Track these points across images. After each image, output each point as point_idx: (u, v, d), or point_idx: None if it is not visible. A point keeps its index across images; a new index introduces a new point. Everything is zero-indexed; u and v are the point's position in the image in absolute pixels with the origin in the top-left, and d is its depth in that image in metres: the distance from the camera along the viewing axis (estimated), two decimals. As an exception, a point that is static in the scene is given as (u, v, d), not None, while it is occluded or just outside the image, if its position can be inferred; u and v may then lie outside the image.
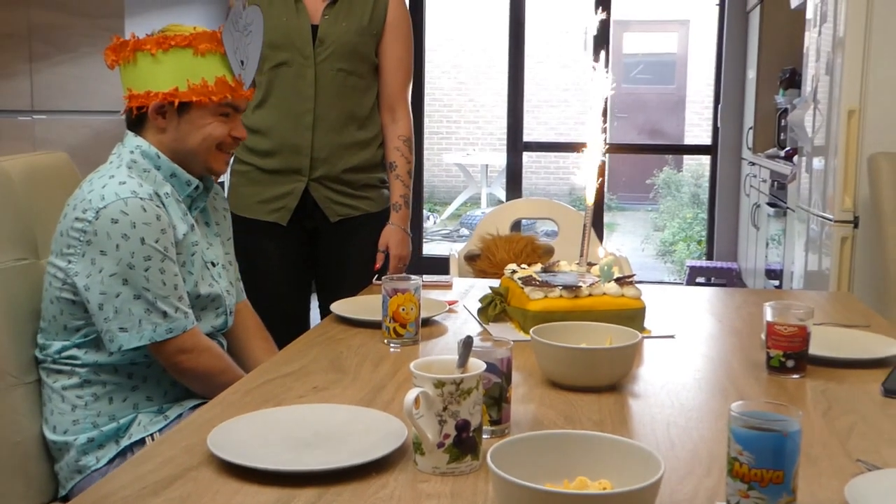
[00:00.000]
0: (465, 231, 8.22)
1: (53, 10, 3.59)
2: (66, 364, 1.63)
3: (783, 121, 4.62)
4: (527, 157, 6.14)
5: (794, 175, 3.72)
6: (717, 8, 5.90)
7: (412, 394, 0.97)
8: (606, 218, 7.47)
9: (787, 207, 3.96)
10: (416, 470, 1.00)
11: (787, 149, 4.41)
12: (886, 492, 0.92)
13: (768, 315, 1.39)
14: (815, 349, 1.42)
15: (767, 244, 4.58)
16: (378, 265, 2.24)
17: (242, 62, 1.74)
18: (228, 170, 2.17)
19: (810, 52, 3.45)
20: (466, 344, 1.03)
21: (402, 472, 1.00)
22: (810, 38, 3.48)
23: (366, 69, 2.26)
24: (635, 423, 1.19)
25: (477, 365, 1.02)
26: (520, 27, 5.90)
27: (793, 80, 4.64)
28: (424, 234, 6.96)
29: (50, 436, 1.63)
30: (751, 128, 5.29)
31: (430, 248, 7.38)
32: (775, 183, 4.41)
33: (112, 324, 1.56)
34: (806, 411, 1.24)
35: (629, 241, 8.26)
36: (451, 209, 9.08)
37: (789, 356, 1.37)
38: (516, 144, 5.96)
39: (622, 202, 10.42)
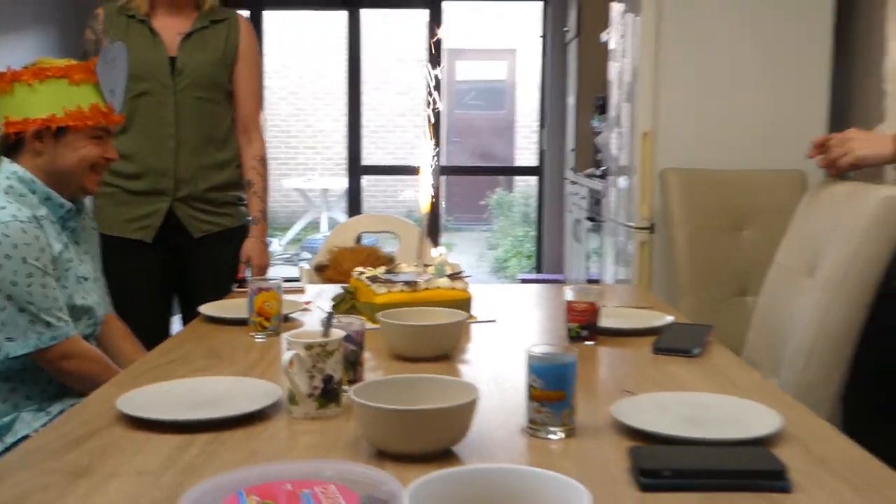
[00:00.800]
0: (307, 255, 8.41)
1: None
2: (-47, 372, 1.78)
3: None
4: (366, 180, 6.43)
5: (605, 191, 4.19)
6: (540, 39, 6.42)
7: (288, 354, 1.23)
8: (444, 239, 7.85)
9: (601, 221, 4.43)
10: (291, 417, 1.26)
11: (603, 168, 4.91)
12: (638, 406, 1.26)
13: (567, 295, 1.74)
14: (605, 323, 1.78)
15: (589, 256, 5.05)
16: (241, 275, 2.47)
17: (112, 91, 1.95)
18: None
19: (614, 82, 3.92)
20: (328, 318, 1.31)
21: (281, 419, 1.26)
22: (613, 68, 3.96)
23: (222, 96, 2.49)
24: (463, 376, 1.49)
25: (337, 333, 1.30)
26: (356, 54, 6.21)
27: (605, 107, 5.16)
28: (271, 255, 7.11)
29: (-65, 437, 1.77)
30: (572, 149, 5.80)
31: (274, 272, 7.51)
32: (593, 199, 4.90)
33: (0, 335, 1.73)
34: (594, 366, 1.59)
35: (466, 259, 8.70)
36: (291, 233, 9.24)
37: (584, 327, 1.72)
38: (355, 168, 6.25)
39: (459, 223, 10.89)
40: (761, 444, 1.14)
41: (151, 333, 2.29)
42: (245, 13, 5.42)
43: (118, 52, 2.01)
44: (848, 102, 3.20)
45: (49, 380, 1.84)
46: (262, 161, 2.56)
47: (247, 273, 2.49)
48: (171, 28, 2.44)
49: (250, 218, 2.55)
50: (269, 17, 6.21)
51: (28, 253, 1.75)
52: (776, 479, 1.01)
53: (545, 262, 6.33)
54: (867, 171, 2.03)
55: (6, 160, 1.88)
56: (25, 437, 1.77)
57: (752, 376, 1.55)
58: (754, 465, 1.03)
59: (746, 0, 3.17)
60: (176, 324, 2.66)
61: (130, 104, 2.42)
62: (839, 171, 2.01)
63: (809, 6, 3.15)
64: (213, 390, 1.36)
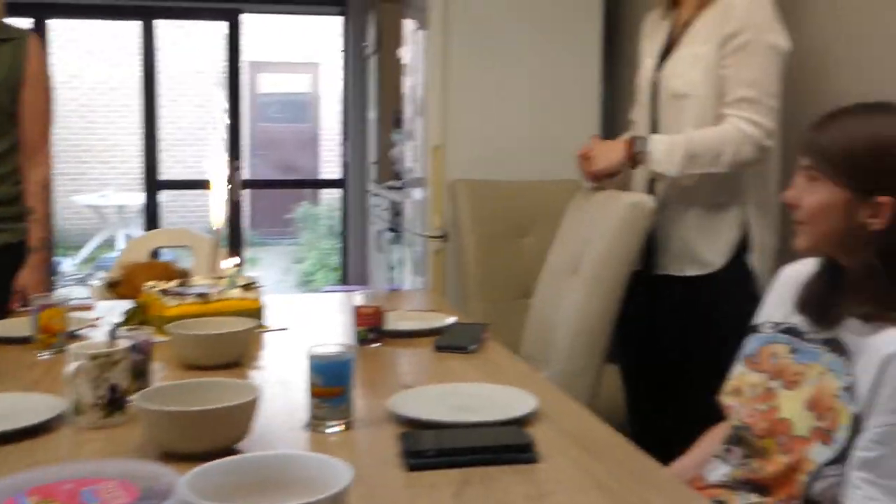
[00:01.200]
0: (101, 274, 8.08)
1: None
2: None
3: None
4: (165, 195, 6.29)
5: (404, 202, 4.34)
6: (342, 53, 6.52)
7: (73, 365, 1.26)
8: (249, 253, 7.79)
9: (401, 231, 4.59)
10: (77, 427, 1.28)
11: (402, 180, 5.07)
12: (415, 398, 1.38)
13: (356, 301, 1.84)
14: (393, 326, 1.89)
15: (392, 267, 5.19)
16: (17, 306, 2.37)
17: None
18: None
19: (408, 96, 4.08)
20: (114, 328, 1.34)
21: (66, 430, 1.28)
22: (407, 84, 4.12)
23: (4, 118, 2.40)
24: (252, 380, 1.56)
25: (124, 343, 1.33)
26: (151, 66, 6.06)
27: (401, 121, 5.33)
28: (60, 277, 6.80)
29: None
30: (374, 162, 5.92)
31: (66, 293, 7.19)
32: (394, 210, 5.05)
33: None
34: (378, 366, 1.70)
35: (271, 273, 8.65)
36: (84, 252, 8.85)
37: (370, 330, 1.82)
38: (152, 183, 6.10)
39: (264, 237, 10.80)
40: (518, 424, 1.28)
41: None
42: (28, 21, 5.19)
43: None
44: (616, 117, 3.51)
45: None
46: (46, 187, 2.48)
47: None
48: None
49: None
50: (56, 26, 5.96)
51: None
52: (524, 451, 1.15)
53: (350, 275, 6.42)
54: (624, 174, 2.26)
55: None
56: None
57: (520, 368, 1.71)
58: (505, 440, 1.17)
59: (526, 20, 3.41)
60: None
61: None
62: (594, 180, 2.25)
63: (582, 31, 3.43)
64: (-3, 406, 1.36)
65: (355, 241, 6.39)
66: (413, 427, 1.28)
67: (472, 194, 3.23)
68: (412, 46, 4.02)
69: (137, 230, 8.74)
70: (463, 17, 3.40)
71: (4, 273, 2.40)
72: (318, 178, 11.17)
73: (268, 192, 10.39)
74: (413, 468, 1.13)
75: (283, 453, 0.99)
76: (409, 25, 4.14)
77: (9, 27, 2.44)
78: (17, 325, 1.94)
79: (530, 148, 3.46)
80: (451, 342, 1.81)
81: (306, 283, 8.17)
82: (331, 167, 11.00)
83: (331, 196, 10.43)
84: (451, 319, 2.02)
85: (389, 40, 5.59)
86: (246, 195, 6.53)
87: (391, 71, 5.66)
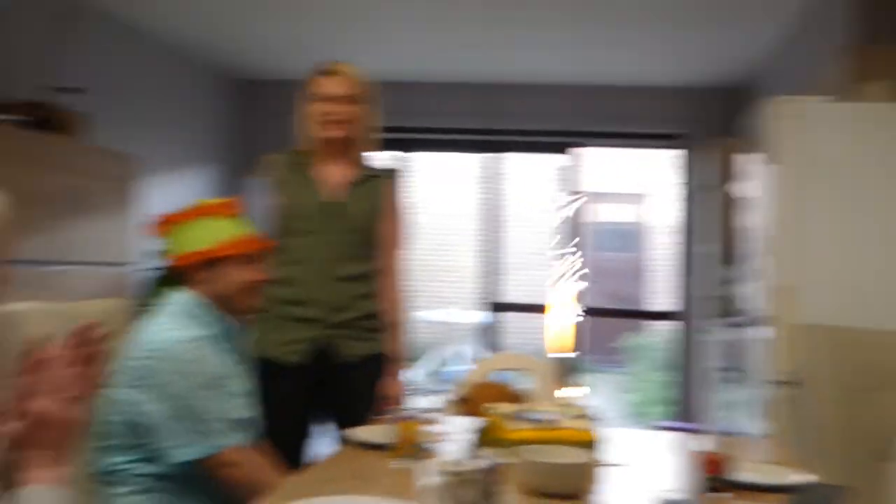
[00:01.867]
0: (441, 386, 8.51)
1: (79, 175, 4.05)
2: (123, 476, 1.94)
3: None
4: (504, 317, 6.55)
5: (744, 343, 4.14)
6: (676, 185, 6.50)
7: (430, 481, 1.32)
8: (583, 380, 7.80)
9: (738, 371, 4.36)
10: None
11: (742, 317, 4.85)
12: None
13: (698, 444, 1.76)
14: (739, 477, 1.77)
15: (725, 408, 4.93)
16: (381, 408, 2.59)
17: (259, 221, 2.20)
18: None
19: (751, 233, 3.93)
20: (469, 447, 1.39)
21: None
22: (751, 220, 3.97)
23: (372, 240, 2.72)
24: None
25: (476, 462, 1.38)
26: (497, 194, 6.46)
27: (741, 256, 5.13)
28: (409, 386, 7.25)
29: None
30: (710, 298, 5.76)
31: (411, 402, 7.64)
32: (731, 349, 4.83)
33: (172, 441, 1.89)
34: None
35: (602, 403, 8.57)
36: (430, 365, 9.42)
37: (717, 479, 1.72)
38: (494, 306, 6.39)
39: (595, 365, 10.79)
40: None
41: (292, 451, 2.43)
42: (396, 153, 5.77)
43: (262, 188, 2.27)
44: None
45: (215, 488, 1.97)
46: (402, 302, 2.75)
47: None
48: (334, 175, 2.70)
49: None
50: (415, 158, 6.57)
51: (203, 368, 1.93)
52: None
53: (684, 411, 6.19)
54: None
55: (177, 288, 2.10)
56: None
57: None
58: None
59: (883, 158, 3.18)
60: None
61: (294, 240, 2.65)
62: None
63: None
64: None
65: (689, 376, 6.19)
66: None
67: (830, 341, 2.99)
68: (757, 180, 3.90)
69: (479, 348, 9.15)
70: (816, 153, 3.25)
71: (371, 380, 2.64)
72: (652, 311, 11.02)
73: (601, 321, 10.42)
74: None
75: None
76: (754, 159, 4.03)
77: (374, 168, 2.75)
78: (375, 432, 2.09)
79: (892, 294, 3.16)
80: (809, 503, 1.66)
81: (638, 415, 7.99)
82: (658, 298, 10.84)
83: (660, 328, 10.24)
84: (809, 477, 1.85)
85: (728, 175, 5.49)
86: (582, 322, 6.64)
87: (730, 205, 5.54)
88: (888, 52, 3.40)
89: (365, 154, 2.75)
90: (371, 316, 2.70)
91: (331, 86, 2.68)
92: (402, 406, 2.61)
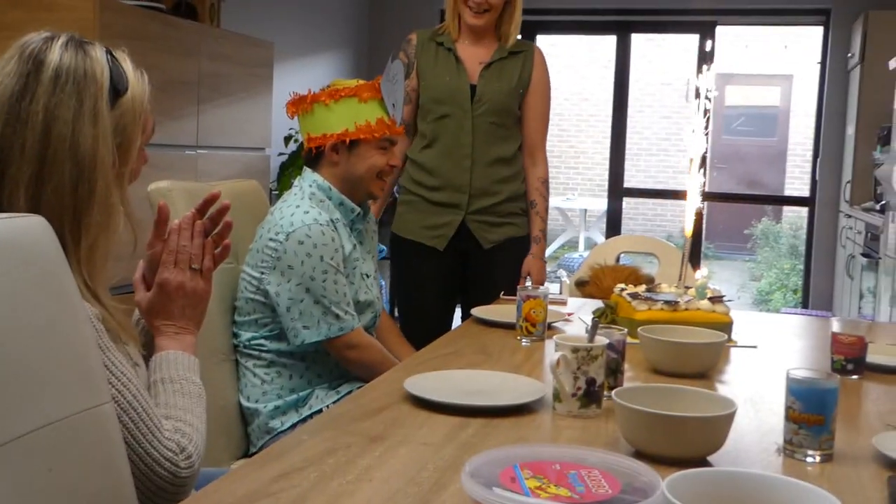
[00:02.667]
0: (562, 272, 8.56)
1: (218, 60, 4.15)
2: (255, 349, 2.06)
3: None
4: (626, 202, 6.46)
5: (885, 226, 3.96)
6: (818, 66, 6.15)
7: (556, 355, 1.35)
8: (705, 267, 7.69)
9: (878, 257, 4.19)
10: (555, 413, 1.38)
11: (882, 202, 4.63)
12: (904, 441, 1.25)
13: (834, 326, 1.72)
14: (873, 360, 1.74)
15: (862, 295, 4.78)
16: (522, 285, 2.62)
17: (394, 105, 2.18)
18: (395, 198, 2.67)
19: (901, 112, 3.71)
20: (594, 325, 1.41)
21: (546, 413, 1.38)
22: (901, 98, 3.74)
23: (512, 121, 2.69)
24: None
25: (601, 340, 1.40)
26: (624, 78, 6.26)
27: (889, 138, 4.86)
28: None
29: (245, 403, 2.06)
30: (848, 181, 5.50)
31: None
32: (869, 234, 4.63)
33: (297, 323, 1.99)
34: (857, 399, 1.57)
35: (726, 289, 8.42)
36: (550, 250, 9.44)
37: (849, 360, 1.69)
38: (616, 190, 6.30)
39: (720, 251, 10.58)
40: None
41: (434, 331, 2.50)
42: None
43: (398, 70, 2.24)
44: None
45: (337, 362, 2.09)
46: (545, 183, 2.74)
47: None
48: (473, 57, 2.67)
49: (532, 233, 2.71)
50: (541, 41, 6.42)
51: (325, 252, 2.00)
52: None
53: (812, 298, 6.03)
54: None
55: (308, 170, 2.16)
56: (318, 412, 2.02)
57: None
58: None
59: None
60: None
61: (434, 124, 2.67)
62: None
63: None
64: (487, 382, 1.51)
65: (820, 263, 5.99)
66: (901, 473, 1.16)
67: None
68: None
69: (598, 234, 9.12)
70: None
71: (511, 263, 2.66)
72: (783, 195, 10.62)
73: (727, 206, 10.15)
74: (904, 517, 1.02)
75: (771, 476, 0.96)
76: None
77: (520, 41, 2.72)
78: (502, 311, 2.14)
79: None
80: (946, 386, 1.62)
81: (763, 303, 7.84)
82: (797, 184, 10.43)
83: (794, 214, 9.89)
84: (946, 361, 1.79)
85: (878, 51, 5.14)
86: (706, 208, 6.46)
87: (878, 83, 5.21)
88: None
89: (507, 35, 2.68)
90: (511, 199, 2.69)
91: None
92: (543, 286, 2.64)
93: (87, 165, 1.16)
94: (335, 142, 2.11)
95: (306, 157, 2.19)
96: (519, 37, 2.71)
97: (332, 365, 2.10)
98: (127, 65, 1.25)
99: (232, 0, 4.61)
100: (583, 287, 2.77)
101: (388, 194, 2.77)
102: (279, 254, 1.99)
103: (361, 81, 2.16)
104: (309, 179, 2.13)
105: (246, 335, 2.07)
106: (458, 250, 2.69)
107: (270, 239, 2.01)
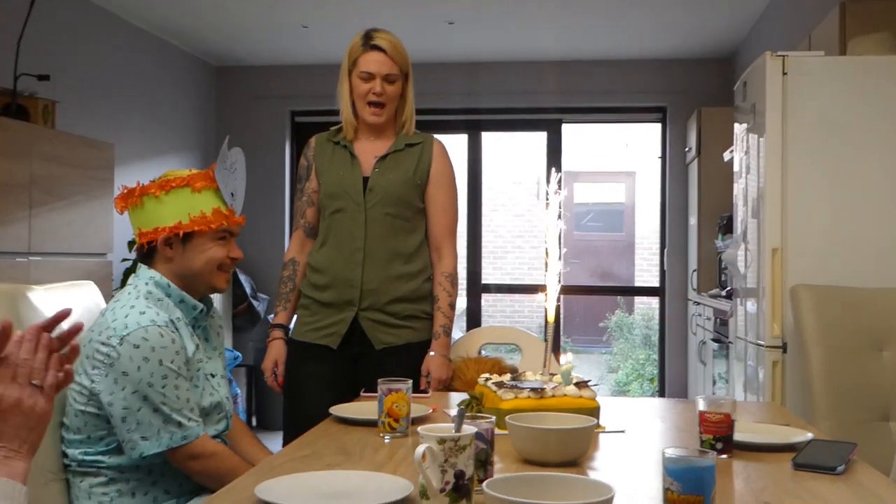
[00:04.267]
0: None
1: (53, 162, 3.93)
2: (92, 466, 1.86)
3: (722, 262, 5.05)
4: (484, 299, 6.49)
5: (732, 311, 4.10)
6: (659, 161, 6.45)
7: (421, 448, 1.24)
8: (568, 352, 7.78)
9: (728, 341, 4.32)
10: (424, 512, 1.26)
11: (728, 288, 4.82)
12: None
13: (700, 405, 1.69)
14: (740, 437, 1.72)
15: (714, 381, 4.90)
16: (422, 387, 2.48)
17: (233, 194, 2.07)
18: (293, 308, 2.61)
19: (739, 200, 3.89)
20: (461, 413, 1.32)
21: (412, 514, 1.26)
22: (738, 187, 3.93)
23: (411, 213, 2.58)
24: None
25: (469, 429, 1.31)
26: (477, 176, 6.38)
27: (729, 226, 5.10)
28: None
29: (82, 532, 1.84)
30: (695, 270, 5.72)
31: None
32: (718, 320, 4.79)
33: (134, 434, 1.80)
34: (730, 478, 1.53)
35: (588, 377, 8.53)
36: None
37: (718, 439, 1.66)
38: (475, 287, 6.33)
39: (577, 345, 10.77)
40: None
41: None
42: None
43: (237, 157, 2.13)
44: None
45: (186, 475, 1.90)
46: (449, 278, 2.60)
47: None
48: (369, 151, 2.59)
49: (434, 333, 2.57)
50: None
51: (164, 356, 1.83)
52: None
53: (668, 386, 6.17)
54: None
55: (143, 266, 2.00)
56: (162, 531, 1.82)
57: (903, 495, 1.46)
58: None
59: (871, 114, 3.14)
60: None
61: (327, 220, 2.57)
62: None
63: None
64: (347, 483, 1.38)
65: (673, 351, 6.16)
66: (785, 551, 1.11)
67: (816, 301, 2.94)
68: (742, 148, 3.85)
69: (458, 332, 9.10)
70: (801, 115, 3.20)
71: (406, 368, 2.45)
72: (634, 286, 11.00)
73: (583, 300, 10.40)
74: None
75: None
76: (738, 128, 3.98)
77: (417, 133, 2.66)
78: (362, 409, 2.02)
79: (881, 251, 3.13)
80: (812, 460, 1.60)
81: (621, 393, 7.97)
82: (646, 276, 10.83)
83: (645, 305, 10.22)
84: (809, 435, 1.80)
85: (713, 144, 5.44)
86: (562, 302, 6.57)
87: (715, 175, 5.49)
88: (880, 4, 3.36)
89: (402, 124, 2.62)
90: (410, 299, 2.55)
91: (374, 64, 2.55)
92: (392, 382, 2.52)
93: None
94: (167, 235, 1.96)
95: (139, 253, 2.03)
96: (417, 131, 2.67)
97: (182, 478, 1.91)
98: None
99: (69, 102, 4.42)
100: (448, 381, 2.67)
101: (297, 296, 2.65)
102: (112, 360, 1.81)
103: (194, 171, 2.04)
104: (145, 277, 1.97)
105: (76, 452, 1.86)
106: (351, 352, 2.55)
107: (102, 343, 1.83)
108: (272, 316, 2.73)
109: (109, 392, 1.80)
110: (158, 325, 1.85)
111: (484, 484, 1.15)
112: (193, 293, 1.99)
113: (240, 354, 5.81)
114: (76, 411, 1.85)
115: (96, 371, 1.82)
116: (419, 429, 1.30)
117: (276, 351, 2.62)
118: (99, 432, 1.85)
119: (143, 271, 1.98)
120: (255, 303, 6.09)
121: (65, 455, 1.87)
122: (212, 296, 2.11)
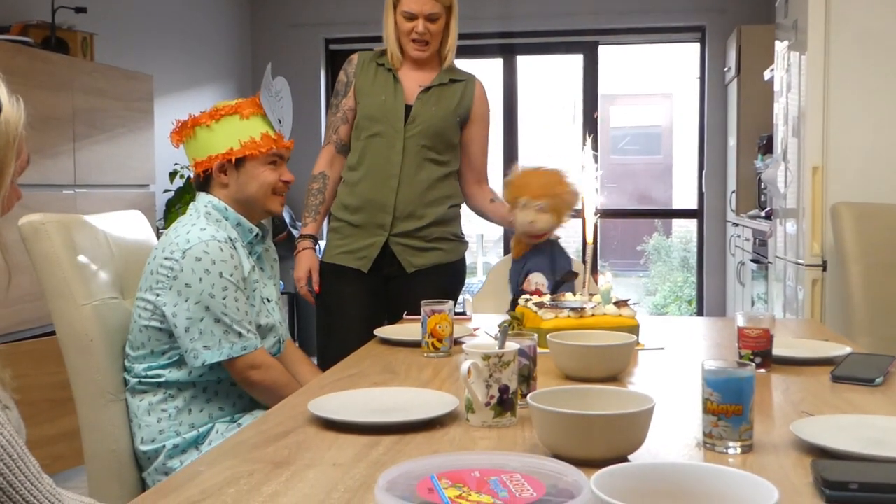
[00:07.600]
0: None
1: (94, 95, 3.97)
2: (152, 382, 1.94)
3: (761, 183, 5.01)
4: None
5: (772, 231, 4.08)
6: (697, 81, 6.34)
7: (466, 364, 1.29)
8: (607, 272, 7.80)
9: (767, 262, 4.31)
10: (469, 425, 1.31)
11: (767, 209, 4.78)
12: (819, 426, 1.24)
13: (739, 321, 1.72)
14: (778, 352, 1.74)
15: (753, 302, 4.90)
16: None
17: (280, 120, 2.11)
18: (324, 227, 2.64)
19: (779, 119, 3.84)
20: (504, 331, 1.36)
21: (459, 427, 1.32)
22: (779, 106, 3.88)
23: (444, 148, 2.61)
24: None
25: (512, 346, 1.35)
26: (513, 101, 6.33)
27: (769, 146, 5.03)
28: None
29: (140, 447, 1.93)
30: (733, 191, 5.67)
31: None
32: (757, 240, 4.77)
33: (197, 343, 1.88)
34: (768, 391, 1.56)
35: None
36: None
37: (756, 354, 1.69)
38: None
39: (614, 269, 10.76)
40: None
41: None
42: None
43: (282, 86, 2.17)
44: None
45: (240, 394, 1.98)
46: (494, 200, 2.73)
47: None
48: (413, 80, 2.61)
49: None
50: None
51: (224, 269, 1.90)
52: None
53: (707, 307, 6.17)
54: None
55: (201, 193, 2.06)
56: (218, 447, 1.90)
57: (940, 405, 1.48)
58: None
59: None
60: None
61: (363, 142, 2.60)
62: None
63: None
64: (395, 399, 1.43)
65: (712, 273, 6.14)
66: (821, 457, 1.14)
67: (856, 218, 2.93)
68: (783, 66, 3.78)
69: (496, 259, 9.14)
70: (844, 31, 3.13)
71: (435, 289, 2.47)
72: (672, 209, 10.92)
73: (619, 224, 10.36)
74: (832, 501, 1.00)
75: (701, 465, 0.92)
76: (779, 46, 3.90)
77: (461, 71, 2.69)
78: (406, 331, 2.07)
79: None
80: (851, 373, 1.63)
81: (659, 316, 8.00)
82: (684, 198, 10.74)
83: (684, 228, 10.16)
84: (847, 349, 1.82)
85: (752, 63, 5.33)
86: (600, 226, 6.56)
87: (754, 94, 5.41)
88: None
89: (444, 58, 2.64)
90: (439, 223, 2.60)
91: (417, 4, 2.53)
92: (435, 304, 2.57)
93: None
94: (221, 162, 2.02)
95: (196, 183, 2.10)
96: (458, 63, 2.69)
97: (235, 397, 1.99)
98: (0, 88, 1.14)
99: (106, 34, 4.44)
100: (508, 191, 2.59)
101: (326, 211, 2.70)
102: (175, 273, 1.88)
103: (241, 99, 2.10)
104: (204, 200, 2.04)
105: (140, 367, 1.94)
106: (382, 274, 2.60)
107: (166, 258, 1.90)
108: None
109: (174, 304, 1.88)
110: (218, 241, 1.91)
111: (528, 396, 1.19)
112: (250, 218, 2.06)
113: (282, 282, 5.91)
114: (140, 327, 1.92)
115: (160, 285, 1.89)
116: (464, 346, 1.35)
117: (309, 259, 2.63)
118: (162, 346, 1.92)
119: (202, 196, 2.05)
120: (293, 231, 6.15)
121: (128, 371, 1.95)
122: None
